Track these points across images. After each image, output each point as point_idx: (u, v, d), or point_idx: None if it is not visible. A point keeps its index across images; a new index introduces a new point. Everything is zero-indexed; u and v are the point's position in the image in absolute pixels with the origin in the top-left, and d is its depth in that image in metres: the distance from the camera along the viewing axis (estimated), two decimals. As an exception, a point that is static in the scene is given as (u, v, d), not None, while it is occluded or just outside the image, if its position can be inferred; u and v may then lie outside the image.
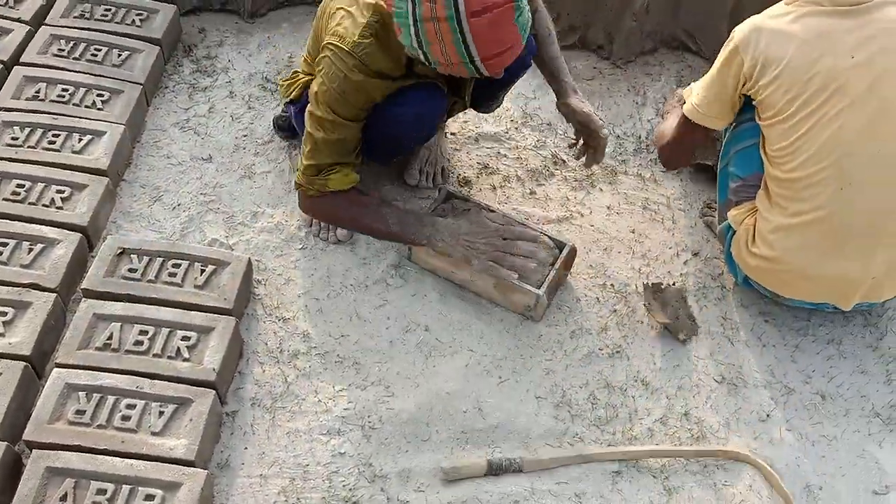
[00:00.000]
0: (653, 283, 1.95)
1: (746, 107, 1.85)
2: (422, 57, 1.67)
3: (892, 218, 1.73)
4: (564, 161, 2.30)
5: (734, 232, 1.92)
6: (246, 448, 1.68)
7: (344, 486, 1.64)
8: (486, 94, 2.08)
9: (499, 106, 2.20)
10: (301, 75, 2.02)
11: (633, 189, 2.26)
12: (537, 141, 2.36)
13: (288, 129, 2.19)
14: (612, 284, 2.02)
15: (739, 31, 1.76)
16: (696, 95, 1.88)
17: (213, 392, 1.64)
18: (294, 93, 2.01)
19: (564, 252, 1.93)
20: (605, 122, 2.04)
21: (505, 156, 2.31)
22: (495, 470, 1.66)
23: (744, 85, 1.77)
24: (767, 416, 1.82)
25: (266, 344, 1.84)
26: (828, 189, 1.70)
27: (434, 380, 1.81)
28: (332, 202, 1.88)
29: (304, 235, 2.05)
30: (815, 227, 1.74)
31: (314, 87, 1.79)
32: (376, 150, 1.94)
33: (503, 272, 1.85)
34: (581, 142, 2.03)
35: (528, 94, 2.46)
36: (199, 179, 2.13)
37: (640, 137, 2.40)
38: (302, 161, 1.86)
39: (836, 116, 1.67)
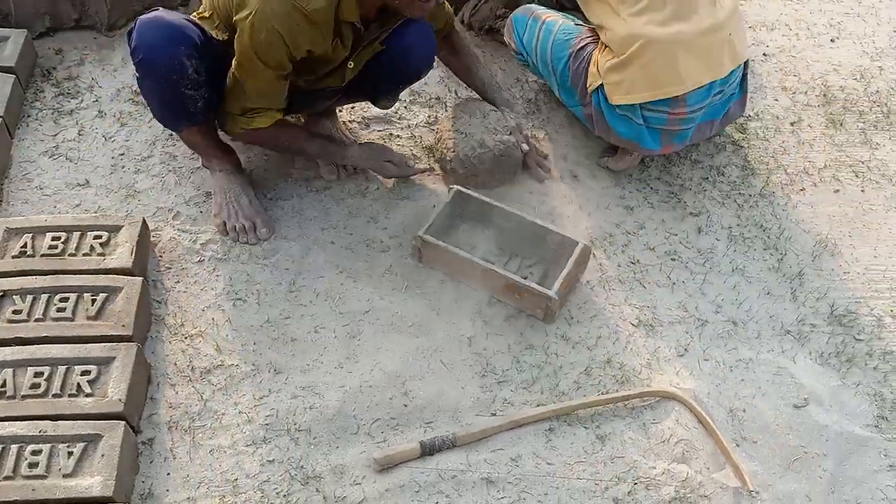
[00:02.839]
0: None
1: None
2: None
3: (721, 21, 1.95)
4: (456, 133, 2.28)
5: (601, 84, 2.00)
6: (168, 474, 1.60)
7: (277, 493, 1.59)
8: (386, 89, 2.07)
9: (395, 102, 2.18)
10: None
11: (527, 151, 2.26)
12: (428, 117, 2.33)
13: None
14: (519, 247, 2.02)
15: None
16: None
17: (123, 423, 1.56)
18: None
19: (577, 251, 1.86)
20: (524, 137, 2.12)
21: (398, 136, 2.27)
22: (429, 450, 1.64)
23: None
24: (685, 350, 1.86)
25: (175, 364, 1.76)
26: None
27: (356, 373, 1.77)
28: (256, 133, 1.90)
29: (199, 248, 1.97)
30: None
31: (242, 26, 1.70)
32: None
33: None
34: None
35: (410, 72, 2.43)
36: (78, 206, 2.02)
37: (530, 100, 2.40)
38: (228, 99, 1.84)
39: None
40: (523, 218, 1.94)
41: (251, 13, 1.68)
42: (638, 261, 2.02)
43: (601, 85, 2.00)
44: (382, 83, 2.03)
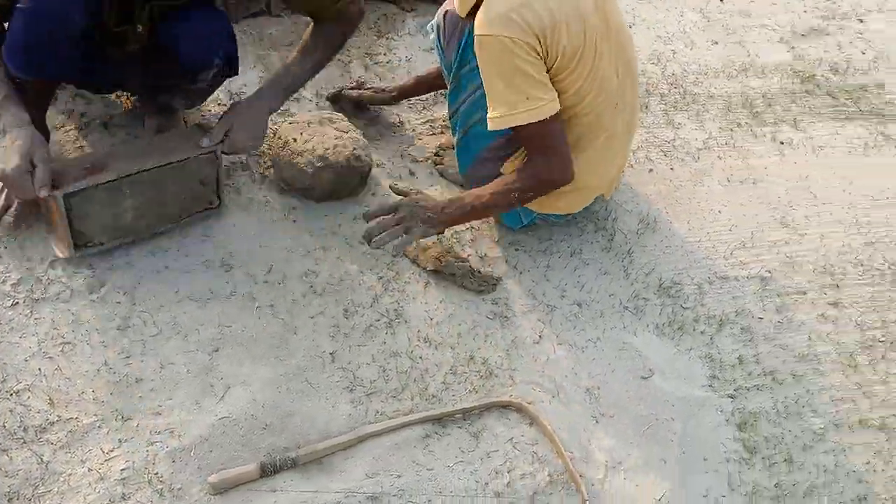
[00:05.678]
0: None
1: (472, 74, 1.86)
2: None
3: (637, 115, 2.08)
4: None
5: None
6: (15, 555, 1.41)
7: (148, 554, 1.45)
8: (163, 82, 1.89)
9: (197, 102, 2.02)
10: None
11: (362, 151, 2.22)
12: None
13: None
14: (370, 253, 1.98)
15: (508, 29, 1.67)
16: (529, 102, 1.72)
17: (-48, 508, 1.35)
18: None
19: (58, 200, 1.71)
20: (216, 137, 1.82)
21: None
22: (270, 470, 1.57)
23: (544, 61, 1.75)
24: (540, 337, 1.93)
25: (4, 427, 1.55)
26: (608, 112, 1.88)
27: (217, 408, 1.65)
28: None
29: (9, 289, 1.73)
30: (604, 145, 1.93)
31: None
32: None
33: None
34: None
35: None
36: None
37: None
38: None
39: (599, 54, 1.81)
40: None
41: None
42: (485, 255, 2.06)
43: None
44: (158, 74, 1.86)
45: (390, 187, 1.96)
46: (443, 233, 1.86)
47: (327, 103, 2.30)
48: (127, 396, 1.64)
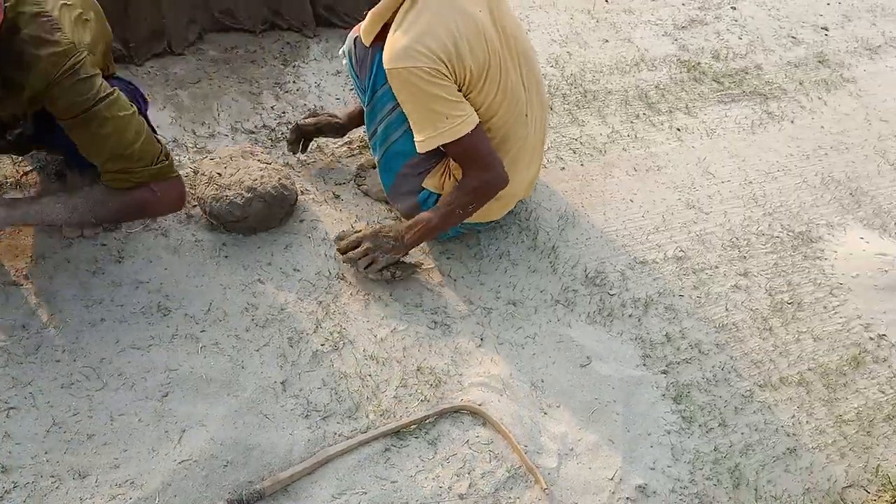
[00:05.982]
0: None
1: (386, 96, 1.91)
2: None
3: (546, 119, 2.15)
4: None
5: (438, 195, 2.04)
6: None
7: None
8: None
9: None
10: None
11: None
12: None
13: None
14: (307, 280, 2.02)
15: (413, 60, 1.74)
16: (448, 121, 1.81)
17: None
18: None
19: None
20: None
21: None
22: None
23: (455, 81, 1.82)
24: (482, 339, 2.01)
25: (-45, 504, 1.51)
26: (520, 121, 1.98)
27: (175, 453, 1.66)
28: None
29: (-57, 361, 1.68)
30: (519, 153, 2.02)
31: None
32: None
33: None
34: None
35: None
36: None
37: (271, 128, 2.37)
38: None
39: (505, 67, 1.90)
40: None
41: None
42: (421, 264, 2.13)
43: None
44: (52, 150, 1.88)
45: (338, 247, 2.03)
46: (406, 255, 2.04)
47: (243, 137, 2.32)
48: (81, 454, 1.62)
